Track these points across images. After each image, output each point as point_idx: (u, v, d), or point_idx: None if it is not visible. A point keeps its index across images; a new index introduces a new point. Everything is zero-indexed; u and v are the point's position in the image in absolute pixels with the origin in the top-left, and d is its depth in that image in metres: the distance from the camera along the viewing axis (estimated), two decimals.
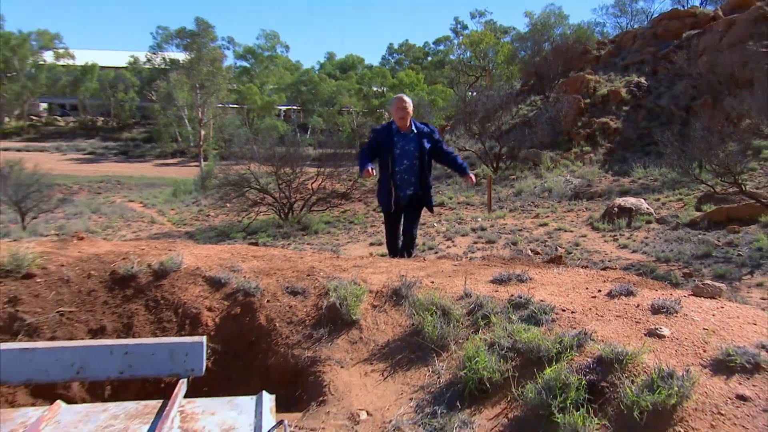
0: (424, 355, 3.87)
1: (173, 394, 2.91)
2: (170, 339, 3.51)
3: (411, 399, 3.56)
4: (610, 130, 24.57)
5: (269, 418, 2.72)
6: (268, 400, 2.87)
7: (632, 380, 3.23)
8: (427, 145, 6.50)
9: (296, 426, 3.41)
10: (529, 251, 12.64)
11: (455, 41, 70.23)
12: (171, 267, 4.70)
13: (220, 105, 62.53)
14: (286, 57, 76.37)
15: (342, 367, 3.93)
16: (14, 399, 4.07)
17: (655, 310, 4.05)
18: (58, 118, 79.96)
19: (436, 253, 12.98)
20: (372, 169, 6.61)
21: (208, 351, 4.41)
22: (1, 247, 4.80)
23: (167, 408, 2.77)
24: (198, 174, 36.02)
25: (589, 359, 3.45)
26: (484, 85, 50.10)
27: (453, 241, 14.02)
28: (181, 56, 63.83)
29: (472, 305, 4.20)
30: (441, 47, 75.73)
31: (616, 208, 15.18)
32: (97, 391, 4.26)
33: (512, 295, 4.29)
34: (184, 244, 5.44)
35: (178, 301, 4.52)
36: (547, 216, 16.69)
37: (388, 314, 4.29)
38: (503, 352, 3.64)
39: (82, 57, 77.46)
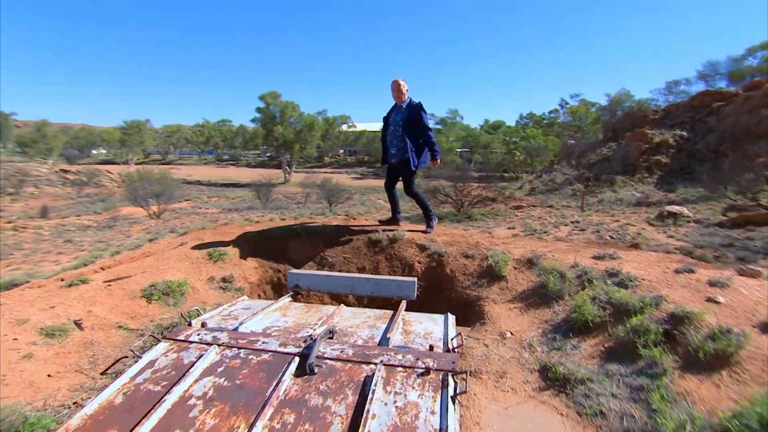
0: (547, 301, 3.38)
1: (399, 308, 2.81)
2: (398, 277, 3.42)
3: (539, 327, 3.12)
4: (661, 164, 21.17)
5: (452, 329, 2.50)
6: (452, 318, 2.66)
7: (697, 331, 2.56)
8: (409, 118, 4.62)
9: (467, 335, 3.15)
10: (608, 236, 11.21)
11: (561, 111, 65.23)
12: (399, 237, 4.59)
13: None
14: (460, 122, 74.90)
15: (495, 303, 3.56)
16: (322, 300, 4.25)
17: (712, 283, 3.21)
18: (347, 157, 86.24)
19: (548, 234, 11.88)
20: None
21: (418, 286, 4.31)
22: (318, 221, 5.03)
23: (396, 315, 2.67)
24: None
25: (664, 314, 2.79)
26: (579, 136, 45.74)
27: (559, 228, 12.73)
28: None
29: (580, 272, 3.60)
30: (552, 114, 70.15)
31: (665, 212, 12.96)
32: (360, 301, 4.32)
33: (607, 267, 3.61)
34: (405, 224, 5.34)
35: (402, 256, 4.42)
36: (619, 216, 14.63)
37: (524, 273, 3.83)
38: (601, 304, 3.06)
39: (359, 126, 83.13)
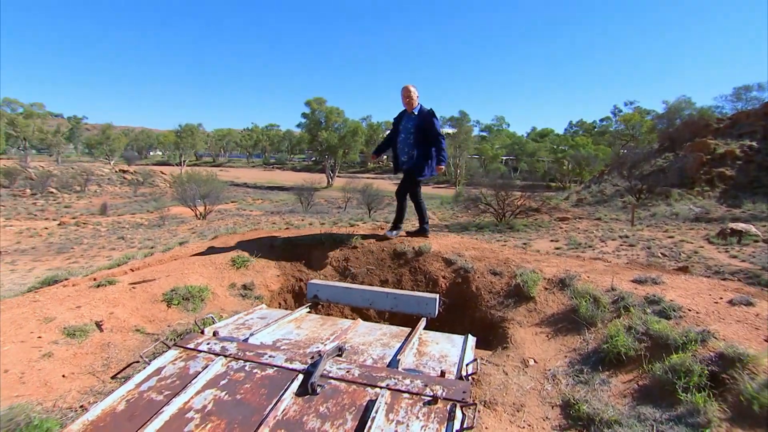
0: (578, 327, 3.10)
1: (417, 326, 2.67)
2: (418, 293, 3.28)
3: (566, 356, 2.87)
4: (725, 176, 19.43)
5: (470, 353, 2.35)
6: (472, 340, 2.50)
7: (752, 378, 2.24)
8: (421, 125, 4.55)
9: (487, 360, 2.95)
10: (660, 254, 10.42)
11: (613, 119, 62.30)
12: (424, 250, 4.43)
13: (469, 156, 62.58)
14: (507, 129, 73.26)
15: (520, 326, 3.32)
16: (343, 312, 4.16)
17: None
18: (390, 163, 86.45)
19: (594, 249, 11.22)
20: (375, 156, 5.13)
21: (441, 303, 4.11)
22: (343, 230, 4.97)
23: (412, 334, 2.53)
24: (454, 193, 35.88)
25: (711, 353, 2.47)
26: (632, 146, 43.42)
27: (605, 243, 12.01)
28: (450, 131, 65.00)
29: (616, 297, 3.28)
30: (604, 122, 67.06)
31: (728, 229, 11.79)
32: (382, 315, 4.19)
33: (648, 293, 3.27)
34: (434, 236, 5.15)
35: (426, 270, 4.26)
36: (674, 231, 13.54)
37: (555, 295, 3.56)
38: (638, 335, 2.76)
39: None
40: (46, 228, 21.05)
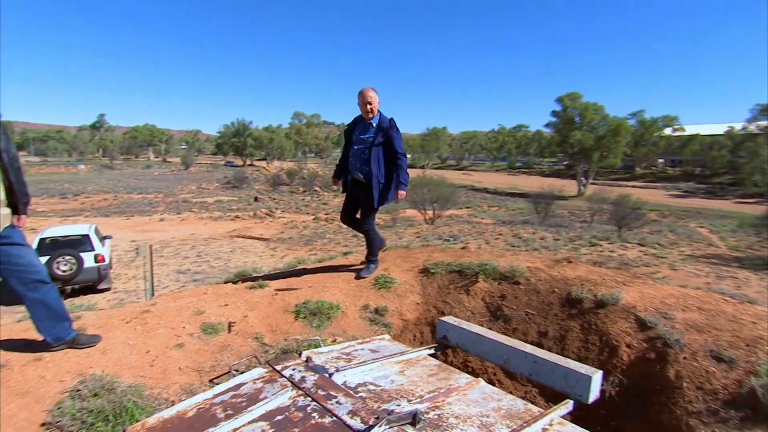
0: None
1: (548, 412, 2.06)
2: (569, 362, 2.52)
3: None
4: None
5: None
6: None
7: None
8: (380, 138, 4.04)
9: None
10: None
11: None
12: (608, 301, 3.36)
13: None
14: None
15: None
16: (484, 364, 3.63)
17: None
18: (668, 168, 73.52)
19: None
20: (336, 180, 4.48)
21: (616, 380, 3.08)
22: (504, 261, 4.35)
23: (532, 422, 1.97)
24: (765, 212, 27.13)
25: None
26: None
27: None
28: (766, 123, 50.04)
29: None
30: None
31: None
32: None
33: None
34: (642, 281, 3.89)
35: (605, 330, 3.22)
36: None
37: None
38: None
39: (690, 130, 69.54)
40: (304, 222, 26.73)
